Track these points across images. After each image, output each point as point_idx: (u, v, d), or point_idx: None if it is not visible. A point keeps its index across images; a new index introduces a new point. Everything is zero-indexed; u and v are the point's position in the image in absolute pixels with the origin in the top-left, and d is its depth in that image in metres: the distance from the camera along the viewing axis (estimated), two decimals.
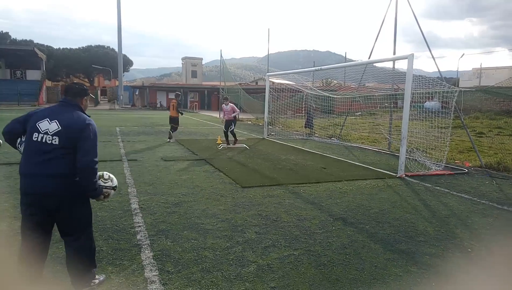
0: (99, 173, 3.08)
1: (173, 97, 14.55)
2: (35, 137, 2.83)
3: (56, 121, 2.87)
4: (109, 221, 4.70)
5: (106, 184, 3.09)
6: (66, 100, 3.04)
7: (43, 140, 2.81)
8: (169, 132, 13.44)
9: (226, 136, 12.41)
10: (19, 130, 2.98)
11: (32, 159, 2.82)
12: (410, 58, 8.06)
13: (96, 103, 47.90)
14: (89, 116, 3.05)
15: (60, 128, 2.85)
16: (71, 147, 2.85)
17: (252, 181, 7.17)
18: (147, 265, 3.54)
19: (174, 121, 13.49)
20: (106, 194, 3.08)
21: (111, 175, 3.23)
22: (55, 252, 3.73)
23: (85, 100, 3.14)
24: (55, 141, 2.82)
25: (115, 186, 3.20)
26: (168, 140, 13.10)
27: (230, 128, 12.36)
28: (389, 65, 12.25)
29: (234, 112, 12.56)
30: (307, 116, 16.52)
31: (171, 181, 7.02)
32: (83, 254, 3.05)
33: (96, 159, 2.96)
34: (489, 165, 9.36)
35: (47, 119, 2.87)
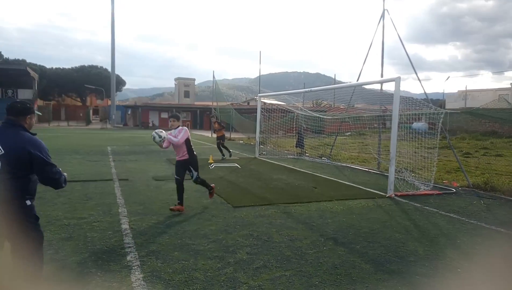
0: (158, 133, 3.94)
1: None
2: None
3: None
4: (99, 242, 4.66)
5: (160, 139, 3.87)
6: (9, 121, 2.92)
7: None
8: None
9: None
10: None
11: None
12: (397, 80, 8.29)
13: (88, 122, 47.67)
14: (34, 134, 2.96)
15: (3, 151, 2.73)
16: (17, 170, 2.75)
17: (243, 201, 7.17)
18: (137, 287, 3.51)
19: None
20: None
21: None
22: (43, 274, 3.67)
23: (29, 119, 3.02)
24: None
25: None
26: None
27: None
28: (377, 87, 12.55)
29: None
30: (298, 136, 16.69)
31: (162, 201, 6.99)
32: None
33: (55, 169, 2.90)
34: (476, 185, 9.51)
35: None
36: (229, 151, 14.48)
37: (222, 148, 14.32)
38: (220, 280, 3.72)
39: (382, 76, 11.56)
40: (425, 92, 10.74)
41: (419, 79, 10.63)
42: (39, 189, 7.09)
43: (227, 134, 27.21)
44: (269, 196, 7.76)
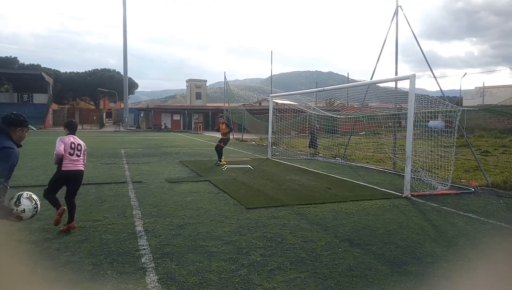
0: (22, 193, 3.04)
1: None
2: None
3: None
4: (114, 244, 4.69)
5: (17, 207, 2.97)
6: (0, 128, 3.11)
7: None
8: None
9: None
10: None
11: None
12: (412, 78, 8.14)
13: (101, 125, 48.42)
14: (13, 144, 3.05)
15: None
16: None
17: (256, 202, 7.15)
18: (152, 289, 3.51)
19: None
20: (17, 215, 2.96)
21: (31, 199, 3.10)
22: (60, 275, 3.72)
23: (20, 131, 3.19)
24: None
25: (30, 210, 3.05)
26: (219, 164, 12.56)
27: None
28: (391, 85, 12.37)
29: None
30: (311, 136, 16.58)
31: (176, 203, 7.02)
32: None
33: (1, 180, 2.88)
34: (495, 184, 9.27)
35: None
36: (220, 160, 12.75)
37: (220, 151, 12.84)
38: (235, 282, 3.69)
39: (396, 74, 11.39)
40: (441, 89, 10.54)
41: (434, 76, 10.42)
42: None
43: (239, 136, 27.36)
44: (282, 197, 7.71)
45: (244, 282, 3.70)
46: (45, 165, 11.78)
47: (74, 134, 5.56)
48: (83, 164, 5.49)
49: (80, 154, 5.42)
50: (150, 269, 3.97)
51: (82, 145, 5.49)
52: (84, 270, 3.89)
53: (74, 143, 5.39)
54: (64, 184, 5.34)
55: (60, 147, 5.24)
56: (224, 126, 13.09)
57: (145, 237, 4.98)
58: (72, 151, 5.31)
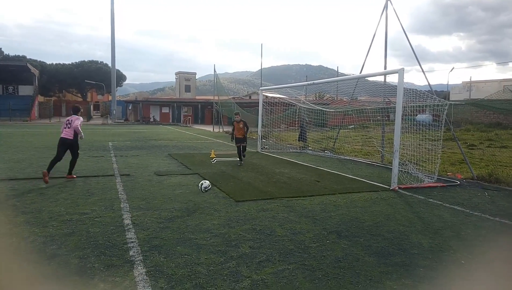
0: None
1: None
2: None
3: None
4: (101, 237, 4.64)
5: None
6: None
7: None
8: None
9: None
10: None
11: None
12: (400, 72, 8.20)
13: (89, 118, 47.69)
14: None
15: None
16: None
17: (246, 195, 7.15)
18: (140, 282, 3.49)
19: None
20: None
21: None
22: (46, 269, 3.67)
23: None
24: None
25: None
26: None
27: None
28: (380, 79, 12.45)
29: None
30: (301, 130, 16.63)
31: (164, 196, 6.98)
32: None
33: None
34: (480, 177, 9.45)
35: None
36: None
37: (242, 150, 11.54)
38: (223, 274, 3.70)
39: (385, 68, 11.44)
40: (429, 84, 10.64)
41: (423, 71, 10.52)
42: (42, 185, 7.11)
43: (229, 129, 27.25)
44: (271, 190, 7.73)
45: (232, 274, 3.71)
46: (31, 158, 11.57)
47: (75, 114, 8.55)
48: (72, 134, 8.30)
49: (70, 127, 8.29)
50: (138, 262, 3.94)
51: (73, 119, 8.36)
52: (71, 264, 3.84)
53: (67, 121, 8.40)
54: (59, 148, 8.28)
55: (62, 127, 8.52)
56: (242, 125, 11.47)
57: (133, 230, 4.94)
58: (64, 126, 8.41)
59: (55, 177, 8.47)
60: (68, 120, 8.38)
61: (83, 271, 3.67)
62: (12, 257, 3.95)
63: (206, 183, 6.65)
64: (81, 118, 8.53)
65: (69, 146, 8.30)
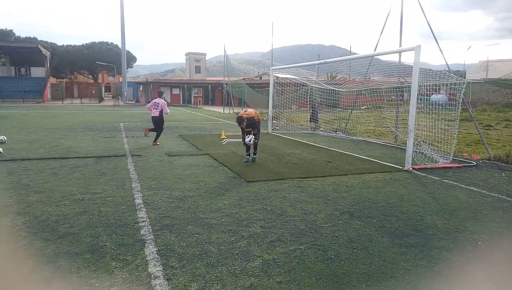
0: None
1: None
2: None
3: None
4: (113, 216, 4.66)
5: None
6: None
7: None
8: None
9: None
10: None
11: None
12: (417, 49, 7.89)
13: (100, 99, 48.00)
14: None
15: None
16: None
17: (257, 176, 7.09)
18: (151, 260, 3.49)
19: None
20: None
21: None
22: (58, 247, 3.69)
23: None
24: None
25: None
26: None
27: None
28: (394, 58, 12.07)
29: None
30: (312, 110, 16.40)
31: (175, 176, 6.97)
32: None
33: None
34: (497, 157, 9.20)
35: None
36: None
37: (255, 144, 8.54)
38: (234, 253, 3.67)
39: (400, 46, 11.08)
40: (446, 62, 10.26)
41: (440, 49, 10.13)
42: (54, 165, 7.17)
43: (239, 110, 27.12)
44: (282, 170, 7.65)
45: (243, 253, 3.68)
46: (43, 139, 11.69)
47: (160, 98, 11.15)
48: (159, 112, 10.91)
49: (158, 107, 10.87)
50: (149, 241, 3.94)
51: (159, 102, 10.91)
52: (83, 242, 3.86)
53: (155, 103, 10.97)
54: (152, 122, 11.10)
55: (147, 106, 11.48)
56: (251, 130, 8.32)
57: (144, 210, 4.95)
58: (152, 107, 11.01)
59: (68, 157, 8.54)
60: (156, 102, 10.87)
61: (94, 250, 3.68)
62: (25, 235, 3.99)
63: None
64: (164, 100, 11.03)
65: (157, 121, 10.91)
